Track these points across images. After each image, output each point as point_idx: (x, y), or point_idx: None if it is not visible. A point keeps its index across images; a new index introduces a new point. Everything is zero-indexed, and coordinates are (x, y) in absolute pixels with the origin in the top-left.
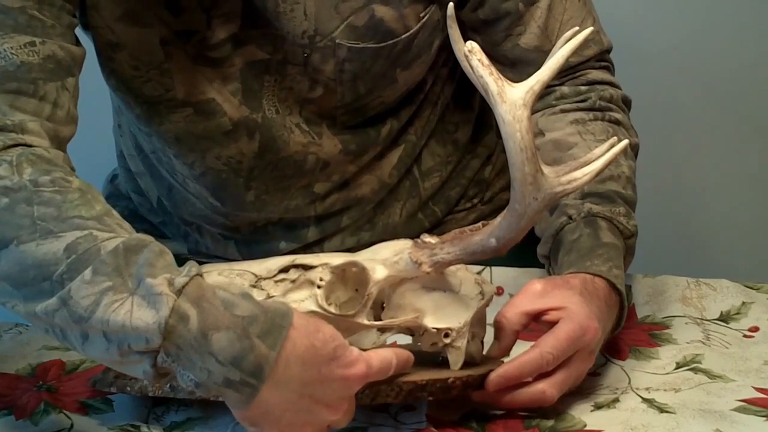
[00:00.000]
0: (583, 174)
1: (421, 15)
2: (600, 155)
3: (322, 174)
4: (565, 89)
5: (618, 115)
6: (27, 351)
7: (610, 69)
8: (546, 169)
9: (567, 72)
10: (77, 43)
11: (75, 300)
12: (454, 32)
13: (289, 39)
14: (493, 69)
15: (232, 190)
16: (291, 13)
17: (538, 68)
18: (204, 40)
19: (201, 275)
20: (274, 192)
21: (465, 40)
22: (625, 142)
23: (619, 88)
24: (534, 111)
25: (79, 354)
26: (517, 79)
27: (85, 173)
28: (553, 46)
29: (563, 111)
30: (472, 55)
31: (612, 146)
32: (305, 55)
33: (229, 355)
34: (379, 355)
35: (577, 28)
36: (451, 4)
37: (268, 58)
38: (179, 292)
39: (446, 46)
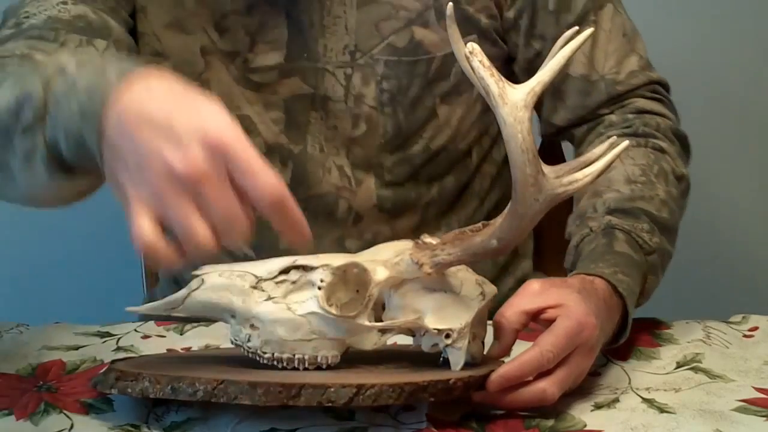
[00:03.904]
0: (584, 175)
1: None
2: (600, 154)
3: (355, 229)
4: (613, 117)
5: (663, 144)
6: (27, 351)
7: (664, 102)
8: (547, 171)
9: (615, 100)
10: (126, 33)
11: None
12: (454, 32)
13: (332, 61)
14: (494, 71)
15: (266, 233)
16: (333, 26)
17: (585, 97)
18: (246, 62)
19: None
20: None
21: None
22: (626, 142)
23: (671, 120)
24: (585, 140)
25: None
26: (563, 107)
27: None
28: (600, 77)
29: (609, 138)
30: (473, 57)
31: (612, 145)
32: (347, 75)
33: (85, 85)
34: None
35: (576, 28)
36: (450, 4)
37: (312, 92)
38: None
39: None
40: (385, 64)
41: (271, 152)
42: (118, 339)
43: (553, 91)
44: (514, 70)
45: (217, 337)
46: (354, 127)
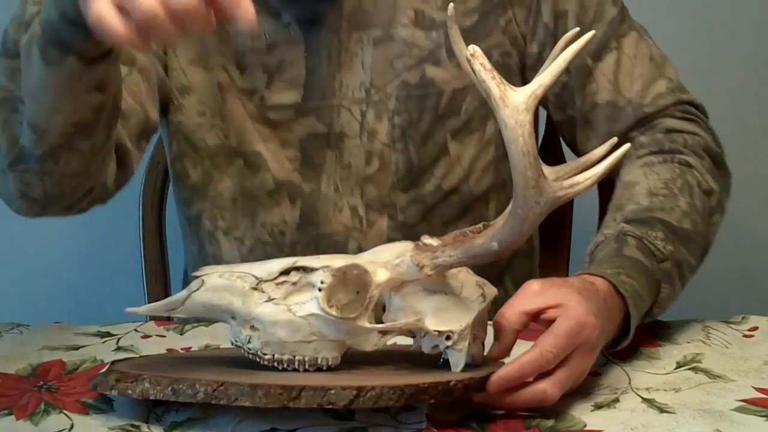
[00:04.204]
0: (585, 178)
1: (469, 82)
2: (601, 155)
3: None
4: (642, 139)
5: (689, 159)
6: (27, 351)
7: (696, 122)
8: (548, 173)
9: (644, 122)
10: (153, 62)
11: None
12: (454, 33)
13: (347, 98)
14: (495, 73)
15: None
16: (350, 63)
17: (614, 123)
18: (263, 99)
19: None
20: None
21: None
22: (628, 145)
23: (702, 138)
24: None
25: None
26: (595, 137)
27: None
28: (627, 101)
29: (638, 158)
30: (475, 59)
31: (612, 146)
32: (362, 111)
33: None
34: None
35: (578, 29)
36: (451, 5)
37: (327, 131)
38: None
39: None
40: (396, 99)
41: (279, 189)
42: (118, 339)
43: (583, 121)
44: (543, 106)
45: (217, 337)
46: (367, 164)
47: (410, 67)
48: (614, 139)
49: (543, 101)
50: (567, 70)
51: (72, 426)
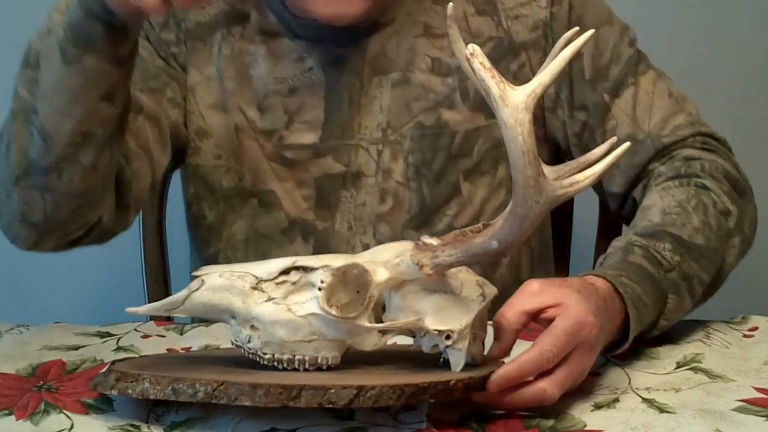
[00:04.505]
0: (585, 177)
1: (481, 124)
2: (601, 155)
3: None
4: (662, 168)
5: (707, 182)
6: (27, 351)
7: (716, 152)
8: (548, 172)
9: (663, 152)
10: (162, 107)
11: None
12: (454, 32)
13: (365, 138)
14: (495, 72)
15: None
16: (369, 105)
17: (634, 157)
18: (281, 138)
19: None
20: None
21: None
22: (627, 143)
23: (719, 164)
24: (642, 192)
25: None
26: (618, 173)
27: None
28: (646, 134)
29: (656, 185)
30: (474, 58)
31: (612, 145)
32: (378, 151)
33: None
34: None
35: (577, 28)
36: (450, 4)
37: (344, 170)
38: None
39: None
40: (411, 139)
41: (293, 227)
42: (118, 339)
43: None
44: (565, 150)
45: (217, 337)
46: (381, 202)
47: (426, 110)
48: (614, 139)
49: (565, 142)
50: (586, 108)
51: (72, 426)
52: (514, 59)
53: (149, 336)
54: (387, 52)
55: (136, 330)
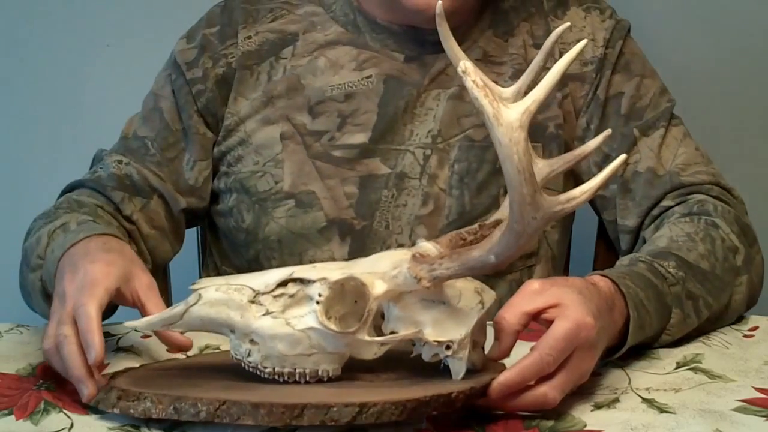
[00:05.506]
0: (581, 192)
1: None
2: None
3: None
4: (676, 208)
5: (717, 220)
6: (27, 351)
7: (730, 204)
8: (541, 166)
9: (678, 190)
10: (177, 186)
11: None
12: (444, 30)
13: (414, 143)
14: (488, 90)
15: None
16: (424, 116)
17: (650, 188)
18: (332, 139)
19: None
20: None
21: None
22: (624, 156)
23: (730, 207)
24: (653, 232)
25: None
26: (633, 204)
27: None
28: (666, 171)
29: (668, 222)
30: (466, 76)
31: (606, 138)
32: (425, 156)
33: (61, 243)
34: None
35: (569, 24)
36: (439, 2)
37: (389, 172)
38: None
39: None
40: (459, 149)
41: (331, 226)
42: (118, 339)
43: (624, 190)
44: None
45: (216, 337)
46: (423, 206)
47: (476, 126)
48: (608, 131)
49: (588, 173)
50: (613, 138)
51: (72, 425)
52: (561, 89)
53: (149, 336)
54: (448, 70)
55: (135, 330)
